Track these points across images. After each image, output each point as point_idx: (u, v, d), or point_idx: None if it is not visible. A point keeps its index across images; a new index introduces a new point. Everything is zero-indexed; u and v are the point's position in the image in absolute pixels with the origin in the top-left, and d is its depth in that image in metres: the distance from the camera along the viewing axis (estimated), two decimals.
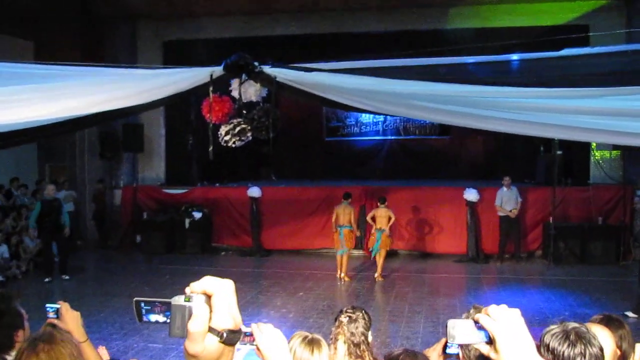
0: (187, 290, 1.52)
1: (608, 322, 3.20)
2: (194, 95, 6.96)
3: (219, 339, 1.48)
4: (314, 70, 6.15)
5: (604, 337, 2.86)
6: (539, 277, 13.11)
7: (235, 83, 6.69)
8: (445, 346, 3.14)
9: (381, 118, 21.32)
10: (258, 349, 2.05)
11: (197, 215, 16.12)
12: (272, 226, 15.97)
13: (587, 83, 4.88)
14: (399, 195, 15.57)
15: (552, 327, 2.35)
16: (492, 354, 1.50)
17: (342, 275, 12.70)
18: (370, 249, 12.80)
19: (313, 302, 10.96)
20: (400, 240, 15.36)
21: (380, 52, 13.24)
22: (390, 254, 14.62)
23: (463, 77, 5.63)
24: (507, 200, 14.17)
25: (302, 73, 6.19)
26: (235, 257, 15.89)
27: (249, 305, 10.59)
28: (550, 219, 14.26)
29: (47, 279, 12.61)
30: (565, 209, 14.73)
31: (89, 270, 13.86)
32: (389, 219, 12.48)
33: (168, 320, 1.53)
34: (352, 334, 3.65)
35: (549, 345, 2.29)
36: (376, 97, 6.01)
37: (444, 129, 20.16)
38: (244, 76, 6.59)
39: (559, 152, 14.30)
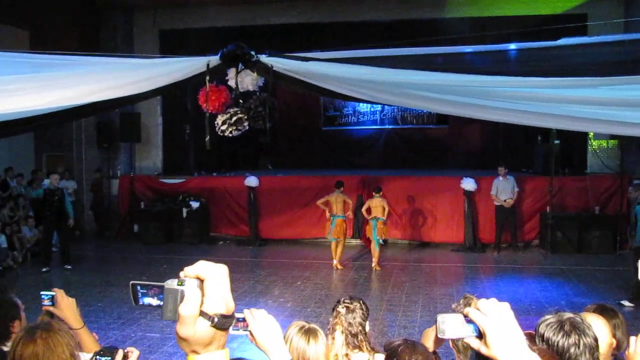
0: (181, 274, 1.52)
1: (602, 311, 3.21)
2: (191, 85, 6.91)
3: (210, 323, 1.49)
4: (310, 60, 6.13)
5: (600, 327, 2.87)
6: (536, 266, 13.14)
7: (232, 72, 6.67)
8: None
9: (379, 107, 21.26)
10: (251, 334, 2.05)
11: (195, 204, 16.10)
12: (270, 215, 15.99)
13: (585, 73, 4.87)
14: (397, 184, 15.60)
15: (547, 316, 2.36)
16: (482, 349, 1.50)
17: (336, 263, 12.73)
18: (370, 238, 12.79)
19: (311, 291, 10.98)
20: (398, 229, 15.39)
21: (377, 41, 13.25)
22: (388, 244, 14.67)
23: (460, 66, 5.62)
24: (502, 189, 14.18)
25: (298, 62, 6.17)
26: (233, 247, 15.90)
27: (246, 295, 10.61)
28: (548, 208, 14.30)
29: (44, 269, 12.60)
30: (563, 199, 14.76)
31: (87, 260, 13.85)
32: (384, 209, 12.48)
33: (161, 304, 1.55)
34: (350, 324, 3.65)
35: (543, 335, 2.31)
36: (373, 86, 6.00)
37: (441, 118, 20.11)
38: (240, 65, 6.57)
39: (556, 142, 14.31)
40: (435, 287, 11.29)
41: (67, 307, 3.17)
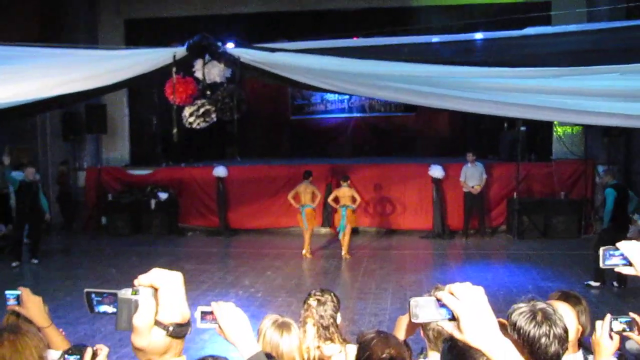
0: (135, 282, 1.50)
1: (567, 298, 3.27)
2: (158, 76, 6.84)
3: (165, 332, 1.47)
4: (278, 51, 6.12)
5: (569, 315, 2.93)
6: (503, 252, 13.31)
7: (198, 64, 6.63)
8: None
9: (346, 96, 21.20)
10: (219, 327, 2.05)
11: (163, 195, 15.97)
12: (239, 206, 15.93)
13: (550, 62, 4.93)
14: (365, 172, 15.65)
15: (520, 305, 2.39)
16: (455, 333, 1.51)
17: (305, 252, 12.77)
18: (338, 228, 12.83)
19: (281, 281, 10.99)
20: (367, 217, 15.44)
21: (344, 30, 13.22)
22: (357, 232, 14.73)
23: (427, 56, 5.65)
24: (470, 176, 14.31)
25: (266, 53, 6.15)
26: (202, 237, 15.83)
27: (216, 286, 10.58)
28: (514, 194, 14.47)
29: (14, 263, 12.38)
30: (529, 185, 14.96)
31: (54, 254, 13.66)
32: (353, 198, 12.50)
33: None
34: (321, 316, 3.67)
35: (515, 323, 2.33)
36: (341, 77, 6.00)
37: (409, 106, 20.07)
38: (207, 57, 6.53)
39: (522, 129, 14.46)
40: (405, 274, 11.37)
41: (33, 306, 3.12)
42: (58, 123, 16.78)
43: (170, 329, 1.47)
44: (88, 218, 16.77)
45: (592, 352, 3.01)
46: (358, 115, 22.12)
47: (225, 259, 13.25)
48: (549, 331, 2.28)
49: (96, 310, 1.61)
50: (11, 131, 16.91)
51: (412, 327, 3.28)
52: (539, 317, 2.30)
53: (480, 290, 1.52)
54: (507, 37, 5.48)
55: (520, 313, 2.34)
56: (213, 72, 6.61)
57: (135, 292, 1.47)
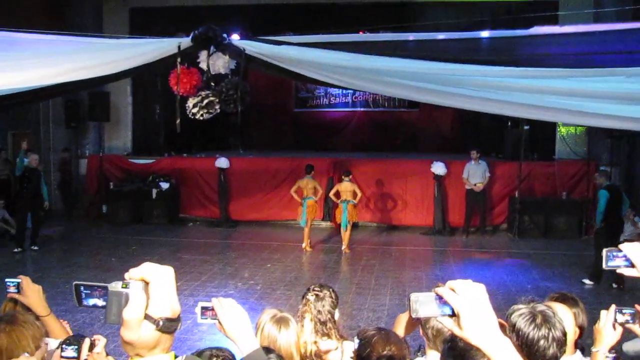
0: (126, 275, 1.50)
1: (564, 300, 3.27)
2: (162, 66, 6.83)
3: (155, 326, 1.47)
4: (283, 44, 6.10)
5: (566, 317, 2.93)
6: (503, 251, 13.31)
7: (203, 55, 6.60)
8: None
9: (351, 90, 21.25)
10: (219, 323, 2.06)
11: (164, 185, 15.98)
12: (240, 197, 15.93)
13: (556, 63, 4.91)
14: (367, 167, 15.66)
15: (520, 306, 2.39)
16: (455, 329, 1.50)
17: (305, 245, 12.79)
18: (340, 223, 12.81)
19: (280, 273, 11.00)
20: (368, 212, 15.45)
21: (351, 23, 13.18)
22: (357, 227, 14.73)
23: (433, 53, 5.62)
24: (473, 173, 14.30)
25: (271, 46, 6.13)
26: (203, 228, 15.84)
27: (216, 277, 10.59)
28: (516, 193, 14.47)
29: (16, 250, 12.41)
30: (531, 184, 14.95)
31: (55, 241, 13.68)
32: (354, 193, 12.51)
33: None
34: (319, 312, 3.67)
35: (515, 325, 2.33)
36: (346, 72, 5.99)
37: (413, 102, 20.05)
38: (212, 48, 6.51)
39: (526, 127, 14.47)
40: (405, 270, 11.38)
41: (33, 294, 3.11)
42: (60, 110, 16.77)
43: (160, 323, 1.47)
44: (89, 206, 16.78)
45: (589, 354, 3.03)
46: (362, 109, 22.15)
47: (225, 250, 13.25)
48: (548, 334, 2.28)
49: (85, 303, 1.61)
50: (13, 117, 16.93)
51: (412, 324, 3.28)
52: (538, 320, 2.31)
53: (481, 288, 1.51)
54: (513, 36, 5.46)
55: (519, 314, 2.34)
56: (218, 63, 6.58)
57: (126, 285, 1.47)
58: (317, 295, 3.74)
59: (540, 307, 2.37)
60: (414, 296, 1.54)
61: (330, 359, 3.63)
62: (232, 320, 2.05)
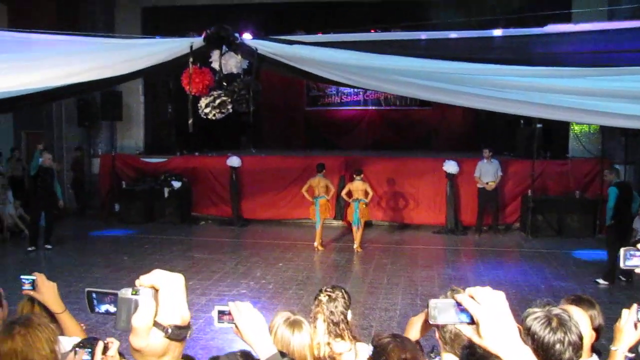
0: (137, 282, 1.50)
1: (579, 303, 3.23)
2: (175, 66, 6.84)
3: (164, 334, 1.46)
4: (295, 43, 6.10)
5: (582, 320, 2.90)
6: (516, 250, 13.24)
7: (215, 54, 6.61)
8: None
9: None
10: (236, 327, 2.05)
11: (177, 184, 16.02)
12: (252, 196, 15.95)
13: (570, 62, 4.87)
14: (379, 166, 15.62)
15: (535, 309, 2.36)
16: (474, 337, 1.48)
17: (317, 244, 12.79)
18: (352, 222, 12.80)
19: (292, 273, 11.00)
20: (380, 211, 15.42)
21: (363, 21, 13.15)
22: (370, 225, 14.70)
23: (445, 52, 5.60)
24: (485, 172, 14.23)
25: (283, 45, 6.14)
26: (215, 227, 15.87)
27: (228, 276, 10.61)
28: (529, 191, 14.39)
29: (30, 248, 12.52)
30: (544, 182, 14.86)
31: (68, 240, 13.73)
32: (366, 192, 12.48)
33: None
34: (332, 312, 3.66)
35: (530, 328, 2.31)
36: (359, 72, 5.98)
37: (425, 101, 20.08)
38: (224, 48, 6.52)
39: (539, 126, 14.35)
40: (417, 269, 11.35)
41: (48, 291, 3.14)
42: (73, 109, 16.86)
43: (169, 331, 1.46)
44: (102, 205, 16.85)
45: (605, 356, 3.00)
46: (373, 108, 22.12)
47: (237, 249, 13.27)
48: (564, 338, 2.26)
49: (97, 310, 1.63)
50: (27, 117, 17.06)
51: (427, 327, 3.27)
52: (554, 323, 2.28)
53: (501, 295, 1.49)
54: (527, 34, 5.42)
55: (535, 318, 2.32)
56: (230, 63, 6.58)
57: (136, 292, 1.47)
58: (329, 296, 3.73)
59: (556, 310, 2.35)
60: (432, 302, 1.53)
61: None
62: (250, 324, 2.04)
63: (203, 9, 16.31)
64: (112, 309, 1.60)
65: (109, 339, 2.52)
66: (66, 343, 2.69)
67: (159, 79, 16.81)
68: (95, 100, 16.65)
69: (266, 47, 6.18)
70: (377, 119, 22.07)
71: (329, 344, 3.62)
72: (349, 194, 12.66)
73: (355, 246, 12.73)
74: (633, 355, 2.94)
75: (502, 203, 14.91)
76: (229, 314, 2.07)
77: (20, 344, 2.50)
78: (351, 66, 5.90)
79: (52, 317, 3.11)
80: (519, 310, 2.40)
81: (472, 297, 1.48)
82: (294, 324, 3.06)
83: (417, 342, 3.25)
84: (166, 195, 15.96)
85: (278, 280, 10.46)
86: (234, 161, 15.63)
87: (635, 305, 2.82)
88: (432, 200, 15.26)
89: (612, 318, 2.94)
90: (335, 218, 15.30)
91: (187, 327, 1.51)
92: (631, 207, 10.85)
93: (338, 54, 5.83)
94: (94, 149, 17.65)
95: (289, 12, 16.43)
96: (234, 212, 15.85)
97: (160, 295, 1.48)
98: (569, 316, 2.35)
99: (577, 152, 15.49)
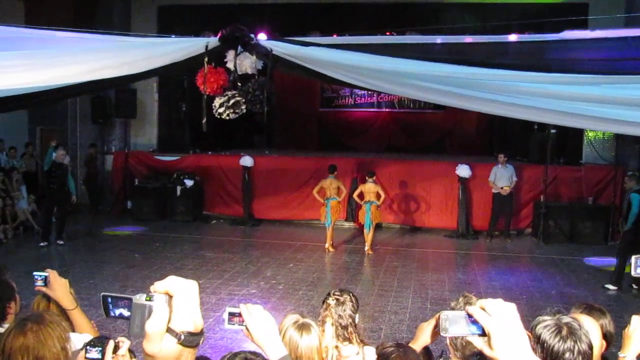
0: (151, 289, 1.51)
1: (590, 311, 3.21)
2: (190, 66, 6.87)
3: (177, 340, 1.48)
4: (310, 45, 6.12)
5: (593, 329, 2.88)
6: (527, 255, 13.19)
7: (230, 55, 6.64)
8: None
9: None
10: (247, 329, 2.06)
11: (189, 182, 16.07)
12: (264, 196, 15.96)
13: (586, 69, 4.85)
14: (392, 168, 15.61)
15: (545, 318, 2.36)
16: (485, 349, 1.48)
17: (328, 246, 12.79)
18: (362, 224, 12.81)
19: (303, 273, 11.00)
20: (391, 213, 15.41)
21: (378, 24, 13.13)
22: (381, 228, 14.69)
23: (460, 57, 5.60)
24: (500, 177, 14.17)
25: (298, 47, 6.15)
26: (226, 226, 15.89)
27: (238, 276, 10.63)
28: (542, 197, 14.34)
29: (43, 243, 12.62)
30: (557, 188, 14.78)
31: (80, 236, 13.81)
32: (378, 194, 12.46)
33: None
34: (340, 316, 3.67)
35: (540, 336, 2.31)
36: (373, 74, 5.98)
37: (438, 104, 20.05)
38: (239, 48, 6.54)
39: (552, 131, 14.29)
40: (427, 273, 11.32)
41: (60, 288, 3.17)
42: (88, 106, 16.98)
43: (182, 337, 1.47)
44: (114, 202, 16.93)
45: None
46: (387, 110, 22.09)
47: (248, 248, 13.29)
48: (574, 347, 2.25)
49: (112, 314, 1.66)
50: (42, 113, 17.18)
51: (436, 333, 3.27)
52: (564, 332, 2.27)
53: (512, 307, 1.49)
54: (543, 40, 5.41)
55: (545, 326, 2.31)
56: (245, 63, 6.61)
57: (150, 298, 1.48)
58: (337, 299, 3.74)
59: (566, 319, 2.34)
60: (444, 314, 1.53)
61: None
62: (260, 327, 2.05)
63: (219, 8, 16.33)
64: (125, 312, 1.63)
65: (119, 338, 2.53)
66: (77, 340, 2.71)
67: (174, 78, 16.85)
68: (109, 98, 16.75)
69: (281, 48, 6.19)
70: (390, 122, 22.04)
71: (337, 347, 3.63)
72: (361, 195, 12.66)
73: (366, 248, 12.72)
74: None
75: (515, 208, 14.83)
76: (240, 315, 2.08)
77: (32, 340, 2.52)
78: (366, 69, 5.90)
79: (64, 313, 3.14)
80: (529, 316, 2.40)
81: (484, 309, 1.48)
82: (302, 327, 3.07)
83: (426, 347, 3.25)
84: (178, 193, 16.01)
85: (288, 280, 10.47)
86: (246, 161, 15.66)
87: None
88: (444, 204, 15.22)
89: (622, 326, 2.92)
90: (346, 220, 15.30)
91: (200, 334, 1.53)
92: None
93: (353, 57, 5.83)
94: (107, 146, 17.73)
95: (304, 13, 16.44)
96: (246, 212, 15.87)
97: (174, 302, 1.49)
98: (579, 325, 2.34)
99: (591, 159, 15.42)
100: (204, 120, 6.75)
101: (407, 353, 2.95)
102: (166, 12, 17.51)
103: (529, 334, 2.33)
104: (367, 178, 12.79)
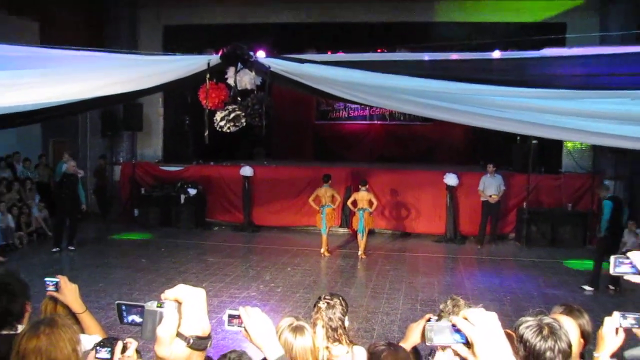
0: (162, 296, 1.53)
1: (570, 312, 3.23)
2: (193, 82, 6.90)
3: (186, 344, 1.50)
4: (306, 62, 6.14)
5: (572, 328, 2.90)
6: (511, 258, 13.19)
7: (231, 71, 6.66)
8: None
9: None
10: (245, 330, 2.07)
11: (192, 191, 16.08)
12: (263, 204, 15.96)
13: (564, 84, 4.88)
14: (383, 177, 15.64)
15: (528, 318, 2.38)
16: (469, 357, 1.49)
17: (323, 250, 12.78)
18: (356, 230, 12.83)
19: (300, 277, 10.99)
20: (383, 220, 15.40)
21: (370, 41, 13.16)
22: (373, 233, 14.69)
23: (446, 73, 5.62)
24: (488, 185, 14.16)
25: (295, 64, 6.18)
26: (227, 232, 15.87)
27: (239, 279, 10.61)
28: (524, 204, 14.40)
29: (55, 249, 12.62)
30: (538, 195, 14.86)
31: (90, 242, 13.77)
32: (371, 202, 12.49)
33: None
34: (330, 319, 3.69)
35: (522, 336, 2.33)
36: (365, 90, 6.00)
37: None
38: (239, 65, 6.56)
39: (534, 142, 14.35)
40: (418, 276, 11.32)
41: (70, 293, 3.19)
42: (97, 120, 16.99)
43: (191, 341, 1.50)
44: (122, 210, 16.91)
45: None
46: (379, 122, 22.12)
47: (248, 253, 13.27)
48: (554, 345, 2.27)
49: (125, 320, 1.69)
50: (55, 127, 17.19)
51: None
52: (545, 332, 2.30)
53: (493, 316, 1.50)
54: (524, 57, 5.44)
55: (527, 326, 2.34)
56: (244, 79, 6.63)
57: (161, 305, 1.51)
58: (328, 303, 3.76)
59: (547, 319, 2.37)
60: (429, 325, 1.55)
61: None
62: (258, 328, 2.06)
63: (220, 28, 16.39)
64: (137, 319, 1.67)
65: (127, 339, 2.54)
66: (87, 341, 2.71)
67: (178, 93, 16.86)
68: (117, 111, 16.77)
69: (278, 65, 6.22)
70: (381, 133, 22.07)
71: (327, 347, 3.64)
72: (355, 203, 12.68)
73: (359, 253, 12.73)
74: None
75: (500, 214, 14.85)
76: (239, 317, 2.09)
77: (44, 342, 2.53)
78: (358, 84, 5.92)
79: (74, 316, 3.14)
80: (513, 316, 2.42)
81: (466, 319, 1.49)
82: (296, 330, 3.08)
83: (415, 347, 3.26)
84: (182, 201, 16.02)
85: (286, 284, 10.45)
86: (246, 171, 15.68)
87: (616, 313, 2.82)
88: (433, 211, 15.23)
89: (599, 324, 2.93)
90: (341, 226, 15.30)
91: (207, 338, 1.55)
92: (621, 220, 10.95)
93: (346, 73, 5.86)
94: (115, 157, 17.74)
95: (300, 32, 16.47)
96: (246, 219, 15.87)
97: (183, 308, 1.52)
98: (560, 325, 2.36)
99: (570, 168, 15.50)
100: (206, 133, 6.76)
101: (398, 351, 2.97)
102: (171, 31, 17.55)
103: (513, 333, 2.35)
104: (360, 186, 12.81)
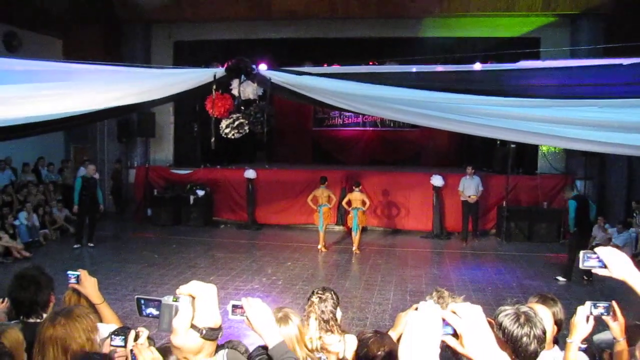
0: (177, 291, 1.55)
1: (544, 301, 3.24)
2: (200, 92, 6.91)
3: (199, 334, 1.52)
4: (304, 74, 6.14)
5: (546, 316, 2.92)
6: (492, 253, 13.20)
7: (235, 83, 6.67)
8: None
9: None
10: (248, 319, 2.08)
11: (200, 192, 16.07)
12: (265, 204, 15.96)
13: (539, 93, 4.90)
14: (375, 179, 15.65)
15: (506, 307, 2.40)
16: (458, 347, 1.50)
17: (320, 246, 12.78)
18: (350, 227, 12.85)
19: (299, 270, 10.99)
20: (375, 218, 15.40)
21: (363, 55, 13.17)
22: (366, 230, 14.69)
23: (432, 83, 5.63)
24: (467, 186, 14.16)
25: (293, 76, 6.18)
26: (233, 230, 15.86)
27: (243, 273, 10.61)
28: (504, 202, 14.41)
29: (76, 246, 12.66)
30: (517, 194, 14.87)
31: (107, 239, 13.75)
32: (364, 201, 12.51)
33: None
34: (322, 311, 3.67)
35: (501, 324, 2.35)
36: (357, 99, 6.01)
37: None
38: (243, 77, 6.57)
39: (512, 146, 14.38)
40: (407, 269, 11.33)
41: (90, 285, 3.22)
42: (114, 127, 17.01)
43: (204, 332, 1.52)
44: (136, 210, 16.90)
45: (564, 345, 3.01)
46: (371, 128, 22.13)
47: (251, 249, 13.26)
48: (530, 332, 2.29)
49: (144, 313, 1.70)
50: (75, 134, 17.23)
51: None
52: (522, 319, 2.32)
53: (478, 309, 1.51)
54: (502, 69, 5.46)
55: (505, 315, 2.36)
56: (247, 90, 6.64)
57: (176, 299, 1.53)
58: (320, 297, 3.74)
59: (524, 308, 2.39)
60: None
61: (334, 351, 3.63)
62: (259, 317, 2.07)
63: (225, 43, 16.39)
64: (154, 312, 1.69)
65: (139, 328, 2.54)
66: (104, 330, 2.72)
67: (187, 102, 16.86)
68: (132, 120, 16.78)
69: (279, 77, 6.23)
70: (373, 139, 22.07)
71: (320, 337, 3.63)
72: (349, 203, 12.69)
73: (353, 248, 12.73)
74: (586, 345, 2.95)
75: (481, 212, 14.87)
76: (242, 307, 2.10)
77: (60, 332, 2.57)
78: (351, 94, 5.93)
79: (93, 306, 3.16)
80: (494, 305, 2.43)
81: (454, 312, 1.50)
82: (281, 320, 3.07)
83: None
84: (191, 202, 16.01)
85: (286, 277, 10.45)
86: (250, 173, 15.68)
87: (587, 303, 2.84)
88: (421, 209, 15.23)
89: (571, 312, 2.94)
90: (336, 224, 15.30)
91: (218, 329, 1.57)
92: (589, 216, 10.97)
93: (340, 84, 5.87)
94: (130, 162, 17.71)
95: (298, 47, 16.45)
96: (250, 217, 15.86)
97: (196, 302, 1.54)
98: (535, 313, 2.39)
99: (545, 169, 15.54)
100: (213, 139, 6.78)
101: (383, 338, 2.99)
102: (181, 46, 17.56)
103: (493, 321, 2.36)
104: (354, 187, 12.83)
